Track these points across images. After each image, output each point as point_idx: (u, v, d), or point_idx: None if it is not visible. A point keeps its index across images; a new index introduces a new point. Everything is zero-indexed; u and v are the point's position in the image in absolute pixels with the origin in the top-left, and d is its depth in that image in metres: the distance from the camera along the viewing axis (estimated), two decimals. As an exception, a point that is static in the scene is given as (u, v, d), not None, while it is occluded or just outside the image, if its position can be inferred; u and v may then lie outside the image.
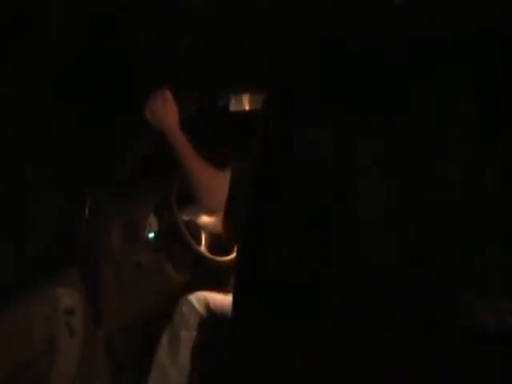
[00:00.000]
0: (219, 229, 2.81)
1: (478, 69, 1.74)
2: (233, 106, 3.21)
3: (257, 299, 1.81)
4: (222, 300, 2.70)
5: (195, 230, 3.07)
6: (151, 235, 3.15)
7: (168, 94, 2.46)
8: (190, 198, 2.86)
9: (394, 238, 1.74)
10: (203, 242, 3.10)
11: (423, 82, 1.78)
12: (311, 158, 1.84)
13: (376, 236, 1.75)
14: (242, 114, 3.12)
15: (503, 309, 1.63)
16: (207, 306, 2.72)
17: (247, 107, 3.21)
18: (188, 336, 2.67)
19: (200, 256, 3.00)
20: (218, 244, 3.07)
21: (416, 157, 1.75)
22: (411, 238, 1.72)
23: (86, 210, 2.67)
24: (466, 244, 1.69)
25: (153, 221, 3.12)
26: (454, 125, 1.74)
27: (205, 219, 3.12)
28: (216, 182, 2.41)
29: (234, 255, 2.94)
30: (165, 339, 2.72)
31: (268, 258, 1.84)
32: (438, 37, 1.78)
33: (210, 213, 2.98)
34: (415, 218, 1.73)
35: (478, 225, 1.69)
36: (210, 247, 3.09)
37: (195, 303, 2.70)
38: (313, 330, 1.71)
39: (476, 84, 1.74)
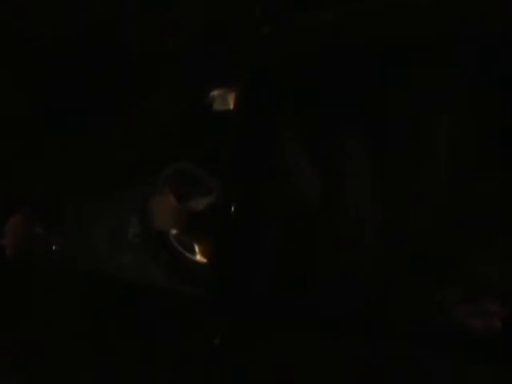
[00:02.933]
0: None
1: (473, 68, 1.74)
2: (217, 105, 3.19)
3: (247, 308, 1.81)
4: None
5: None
6: (134, 233, 3.12)
7: None
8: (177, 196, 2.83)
9: (381, 242, 1.73)
10: (188, 243, 3.07)
11: (415, 83, 1.78)
12: (299, 162, 1.84)
13: (364, 240, 1.75)
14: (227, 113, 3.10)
15: (491, 312, 1.64)
16: None
17: (232, 106, 3.19)
18: None
19: (183, 256, 2.98)
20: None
21: (405, 159, 1.75)
22: (399, 241, 1.72)
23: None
24: (454, 247, 1.69)
25: (135, 221, 3.09)
26: (447, 126, 1.75)
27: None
28: None
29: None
30: None
31: (256, 265, 1.84)
32: (428, 37, 1.78)
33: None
34: (403, 222, 1.72)
35: (466, 228, 1.70)
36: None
37: None
38: (304, 335, 1.71)
39: (473, 84, 1.74)
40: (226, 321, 1.89)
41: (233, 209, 1.94)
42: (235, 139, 2.01)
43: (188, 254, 2.87)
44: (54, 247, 2.70)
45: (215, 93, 3.10)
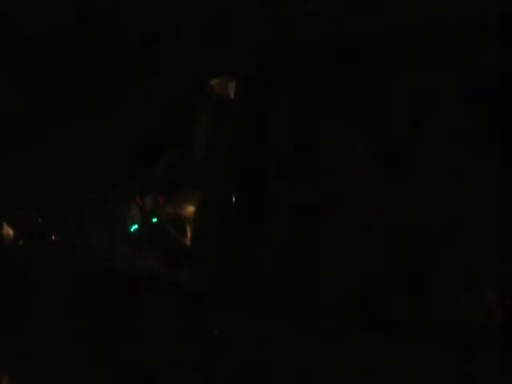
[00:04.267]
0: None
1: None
2: (217, 94, 3.17)
3: (240, 299, 1.82)
4: None
5: (180, 222, 3.04)
6: (134, 227, 3.12)
7: None
8: (174, 188, 2.84)
9: (382, 241, 1.74)
10: (188, 233, 3.06)
11: (415, 83, 1.78)
12: (298, 160, 1.84)
13: (365, 240, 1.75)
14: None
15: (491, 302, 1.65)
16: None
17: (232, 95, 3.17)
18: None
19: (185, 248, 2.97)
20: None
21: (405, 158, 1.75)
22: (399, 241, 1.72)
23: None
24: (455, 247, 1.70)
25: (136, 212, 3.09)
26: (447, 126, 1.75)
27: (190, 210, 3.08)
28: None
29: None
30: None
31: (256, 264, 1.85)
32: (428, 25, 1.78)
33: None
34: (403, 221, 1.73)
35: (466, 228, 1.70)
36: None
37: None
38: (304, 335, 1.71)
39: (473, 84, 1.74)
40: (225, 316, 1.89)
41: (232, 203, 1.94)
42: (234, 137, 2.01)
43: (188, 245, 2.88)
44: (53, 237, 2.71)
45: (215, 81, 3.09)
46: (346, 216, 1.78)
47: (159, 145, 3.15)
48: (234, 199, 1.93)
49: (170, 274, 2.75)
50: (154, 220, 2.99)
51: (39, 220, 2.69)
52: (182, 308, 2.10)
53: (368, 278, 1.73)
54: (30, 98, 2.24)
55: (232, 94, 3.15)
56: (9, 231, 2.63)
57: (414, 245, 1.72)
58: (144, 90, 2.69)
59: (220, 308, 1.88)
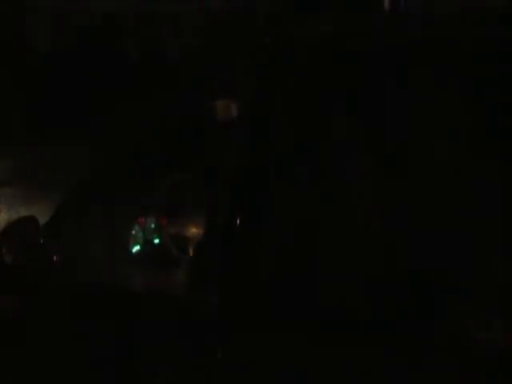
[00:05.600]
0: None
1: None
2: (220, 115, 3.18)
3: (248, 310, 1.82)
4: None
5: (183, 243, 3.03)
6: (136, 248, 3.10)
7: None
8: (177, 209, 2.83)
9: (381, 237, 1.74)
10: (191, 254, 3.05)
11: (415, 83, 1.78)
12: (298, 157, 1.85)
13: (364, 236, 1.75)
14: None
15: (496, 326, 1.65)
16: None
17: (235, 115, 3.18)
18: None
19: (184, 264, 2.97)
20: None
21: (405, 158, 1.75)
22: (400, 242, 1.72)
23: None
24: (454, 247, 1.70)
25: (138, 232, 3.08)
26: (447, 126, 1.75)
27: (193, 230, 3.08)
28: None
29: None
30: None
31: (254, 258, 1.85)
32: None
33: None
34: (403, 222, 1.73)
35: (466, 222, 1.70)
36: None
37: None
38: (304, 337, 1.72)
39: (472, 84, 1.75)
40: (227, 325, 1.89)
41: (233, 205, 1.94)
42: (235, 137, 2.01)
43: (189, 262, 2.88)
44: (54, 258, 2.70)
45: (218, 102, 3.09)
46: (346, 216, 1.78)
47: (162, 163, 3.14)
48: (234, 200, 1.93)
49: (171, 294, 2.76)
50: (156, 241, 2.99)
51: (41, 241, 2.69)
52: (182, 330, 2.10)
53: (368, 278, 1.73)
54: (31, 98, 2.24)
55: (234, 115, 3.16)
56: (8, 252, 2.63)
57: (413, 245, 1.72)
58: (145, 91, 2.69)
59: (222, 328, 1.88)
